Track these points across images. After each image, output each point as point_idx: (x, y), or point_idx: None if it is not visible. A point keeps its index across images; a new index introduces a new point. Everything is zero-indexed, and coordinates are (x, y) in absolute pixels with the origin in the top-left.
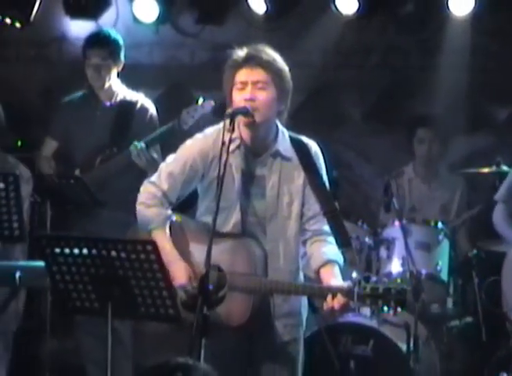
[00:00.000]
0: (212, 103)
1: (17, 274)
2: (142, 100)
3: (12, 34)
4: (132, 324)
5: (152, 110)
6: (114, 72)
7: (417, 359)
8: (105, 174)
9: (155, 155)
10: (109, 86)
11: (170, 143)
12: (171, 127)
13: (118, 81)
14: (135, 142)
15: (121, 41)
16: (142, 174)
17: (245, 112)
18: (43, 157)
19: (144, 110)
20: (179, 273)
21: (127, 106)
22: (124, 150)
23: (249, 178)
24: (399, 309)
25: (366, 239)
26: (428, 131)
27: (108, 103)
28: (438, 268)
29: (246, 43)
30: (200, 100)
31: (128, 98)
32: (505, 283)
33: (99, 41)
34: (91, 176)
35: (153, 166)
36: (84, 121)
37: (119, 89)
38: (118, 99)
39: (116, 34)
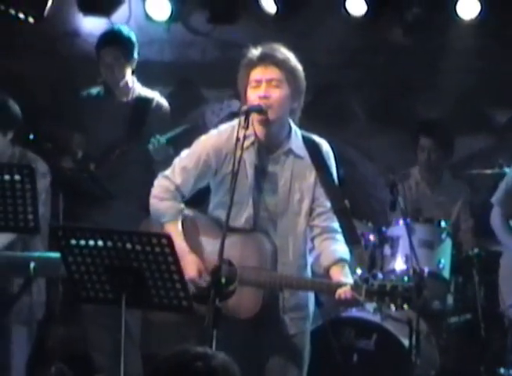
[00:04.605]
0: (238, 102)
1: (32, 264)
2: (158, 98)
3: (25, 28)
4: (141, 314)
5: (167, 107)
6: (128, 70)
7: (418, 353)
8: (120, 168)
9: (171, 151)
10: (125, 83)
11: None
12: (195, 125)
13: (134, 77)
14: (157, 136)
15: (134, 38)
16: (151, 168)
17: (259, 110)
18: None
19: (160, 107)
20: (189, 267)
21: (143, 103)
22: (140, 146)
23: (262, 174)
24: (405, 307)
25: (371, 236)
26: (429, 140)
27: (124, 100)
28: (441, 266)
29: (257, 42)
30: (226, 101)
31: (144, 95)
32: (502, 284)
33: (111, 41)
34: (107, 171)
35: (166, 163)
36: (101, 116)
37: (135, 86)
38: (134, 95)
39: (128, 32)
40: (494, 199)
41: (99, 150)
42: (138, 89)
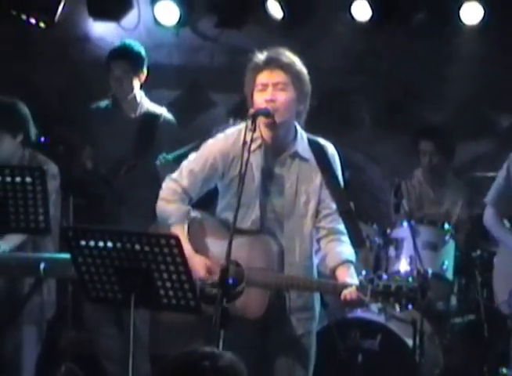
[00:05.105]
0: (243, 123)
1: (42, 265)
2: (165, 114)
3: (36, 33)
4: (149, 315)
5: (174, 123)
6: (137, 84)
7: (422, 354)
8: (129, 183)
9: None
10: (133, 98)
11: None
12: (200, 143)
13: (142, 93)
14: (164, 154)
15: (144, 53)
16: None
17: (266, 113)
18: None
19: (167, 123)
20: (198, 266)
21: (151, 119)
22: (148, 162)
23: (268, 176)
24: (410, 307)
25: (376, 238)
26: (430, 144)
27: (132, 115)
28: (444, 267)
29: (264, 47)
30: (231, 120)
31: (152, 111)
32: (495, 285)
33: (121, 54)
34: (116, 184)
35: None
36: (108, 130)
37: (142, 101)
38: (142, 111)
39: (139, 47)
40: (487, 199)
41: (107, 164)
42: (146, 105)
